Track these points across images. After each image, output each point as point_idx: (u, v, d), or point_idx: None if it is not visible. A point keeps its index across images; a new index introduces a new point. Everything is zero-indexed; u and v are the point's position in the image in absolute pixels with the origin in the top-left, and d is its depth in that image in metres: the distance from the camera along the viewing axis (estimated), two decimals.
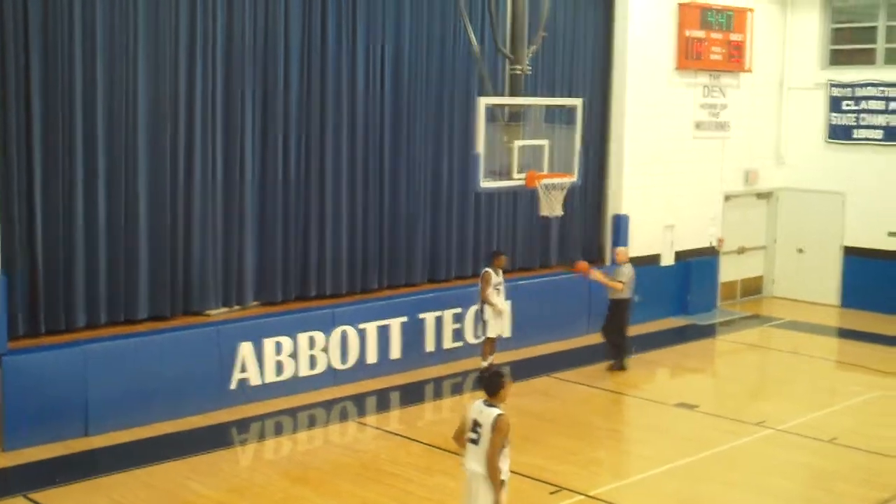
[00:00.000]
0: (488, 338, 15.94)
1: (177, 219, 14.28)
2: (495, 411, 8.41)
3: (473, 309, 16.57)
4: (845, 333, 20.27)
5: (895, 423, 14.27)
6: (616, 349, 16.89)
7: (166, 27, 13.89)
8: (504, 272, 16.17)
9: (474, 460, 8.45)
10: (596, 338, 17.63)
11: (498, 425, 8.32)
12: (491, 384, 8.57)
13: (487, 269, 15.93)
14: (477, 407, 8.53)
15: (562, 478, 11.78)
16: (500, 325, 16.04)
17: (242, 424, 13.65)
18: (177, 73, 14.07)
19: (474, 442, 8.45)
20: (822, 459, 12.91)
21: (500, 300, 15.91)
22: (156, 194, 14.02)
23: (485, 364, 15.92)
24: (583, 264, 16.81)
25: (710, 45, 20.54)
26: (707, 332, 19.99)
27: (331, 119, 15.65)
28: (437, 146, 17.17)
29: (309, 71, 15.39)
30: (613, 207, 19.78)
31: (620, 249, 17.42)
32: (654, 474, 12.09)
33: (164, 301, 14.28)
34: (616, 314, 16.79)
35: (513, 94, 14.97)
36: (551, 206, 14.93)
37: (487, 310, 15.78)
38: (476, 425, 8.45)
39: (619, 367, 16.71)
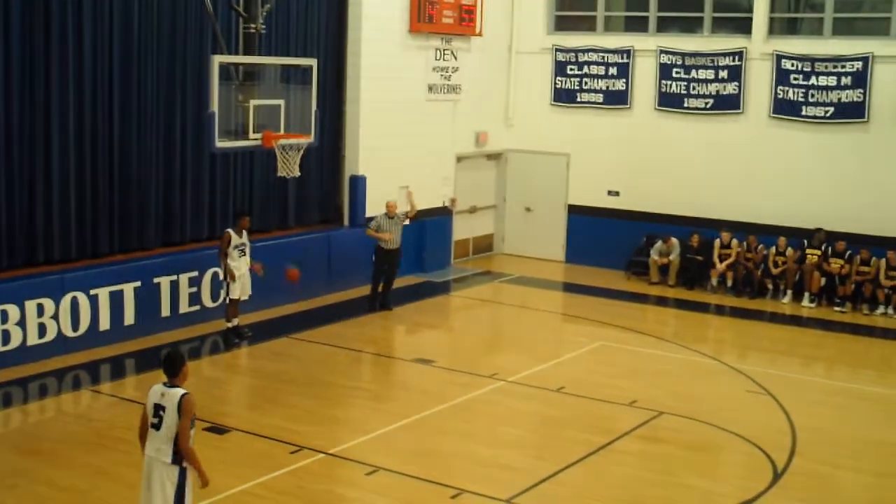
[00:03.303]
0: (231, 299, 15.76)
1: None
2: (179, 391, 8.12)
3: (210, 272, 16.38)
4: (570, 287, 21.31)
5: (616, 372, 15.17)
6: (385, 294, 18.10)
7: None
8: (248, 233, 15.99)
9: (155, 446, 8.14)
10: (335, 297, 17.89)
11: (185, 406, 8.04)
12: (172, 365, 8.23)
13: (228, 229, 15.71)
14: (157, 391, 8.19)
15: (302, 437, 11.86)
16: (242, 286, 15.82)
17: None
18: None
19: (156, 427, 8.11)
20: (551, 408, 13.60)
21: (243, 262, 15.71)
22: None
23: (229, 325, 15.77)
24: (293, 272, 16.19)
25: (443, 8, 20.92)
26: (442, 288, 20.53)
27: (56, 76, 14.93)
28: (170, 104, 16.72)
29: (31, 23, 14.60)
30: (350, 168, 19.92)
31: (391, 202, 18.19)
32: (393, 429, 12.38)
33: None
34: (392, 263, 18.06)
35: (247, 52, 14.81)
36: (288, 167, 14.91)
37: (226, 270, 15.57)
38: (158, 409, 8.11)
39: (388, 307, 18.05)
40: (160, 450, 8.10)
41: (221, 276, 15.73)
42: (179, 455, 8.09)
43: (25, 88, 14.65)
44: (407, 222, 18.47)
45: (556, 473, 11.18)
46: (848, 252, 19.53)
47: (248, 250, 15.78)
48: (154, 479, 8.14)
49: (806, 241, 19.98)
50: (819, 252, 19.81)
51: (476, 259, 23.20)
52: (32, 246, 15.03)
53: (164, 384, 8.21)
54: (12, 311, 13.99)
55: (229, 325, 15.83)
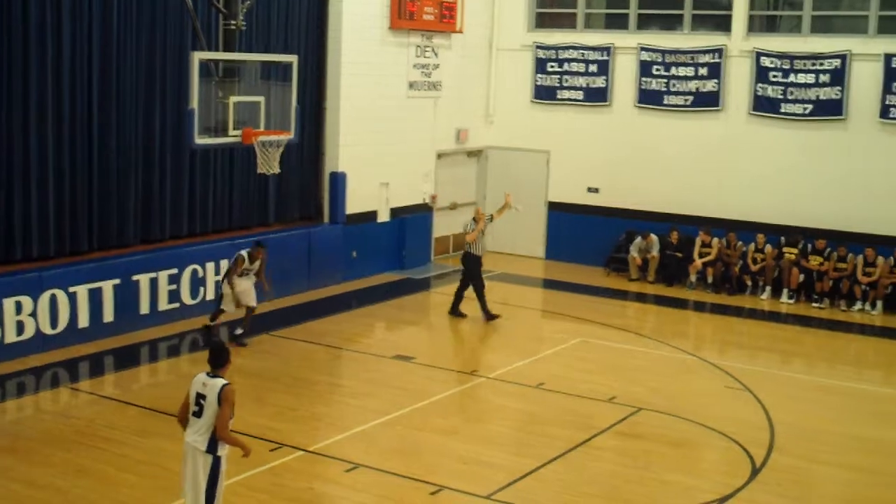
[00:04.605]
0: (221, 309, 15.61)
1: None
2: (221, 381, 8.39)
3: (189, 269, 16.38)
4: (550, 284, 21.36)
5: (595, 368, 15.22)
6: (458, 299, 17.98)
7: None
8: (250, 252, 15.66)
9: (196, 433, 8.38)
10: (315, 294, 17.85)
11: (225, 395, 8.31)
12: (218, 357, 8.51)
13: (243, 253, 15.48)
14: (200, 380, 8.47)
15: (282, 435, 11.86)
16: (242, 297, 15.49)
17: None
18: None
19: (196, 415, 8.39)
20: (532, 404, 13.63)
21: (245, 280, 15.48)
22: None
23: (211, 324, 15.68)
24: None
25: (423, 5, 20.91)
26: (422, 285, 20.54)
27: (34, 71, 14.85)
28: (149, 101, 16.66)
29: (9, 17, 14.51)
30: (330, 165, 19.88)
31: (479, 210, 18.36)
32: (374, 426, 12.38)
33: None
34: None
35: (227, 49, 14.74)
36: (268, 164, 14.85)
37: (226, 286, 15.46)
38: (199, 398, 8.38)
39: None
40: (197, 438, 8.39)
41: (223, 289, 15.53)
42: (214, 444, 8.34)
43: (3, 84, 14.55)
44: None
45: (535, 469, 11.20)
46: (827, 249, 19.64)
47: (252, 276, 15.55)
48: (189, 464, 8.43)
49: (783, 239, 20.08)
50: (796, 250, 19.90)
51: (456, 256, 23.05)
52: (10, 243, 14.95)
53: (207, 374, 8.47)
54: None
55: (210, 323, 15.73)
